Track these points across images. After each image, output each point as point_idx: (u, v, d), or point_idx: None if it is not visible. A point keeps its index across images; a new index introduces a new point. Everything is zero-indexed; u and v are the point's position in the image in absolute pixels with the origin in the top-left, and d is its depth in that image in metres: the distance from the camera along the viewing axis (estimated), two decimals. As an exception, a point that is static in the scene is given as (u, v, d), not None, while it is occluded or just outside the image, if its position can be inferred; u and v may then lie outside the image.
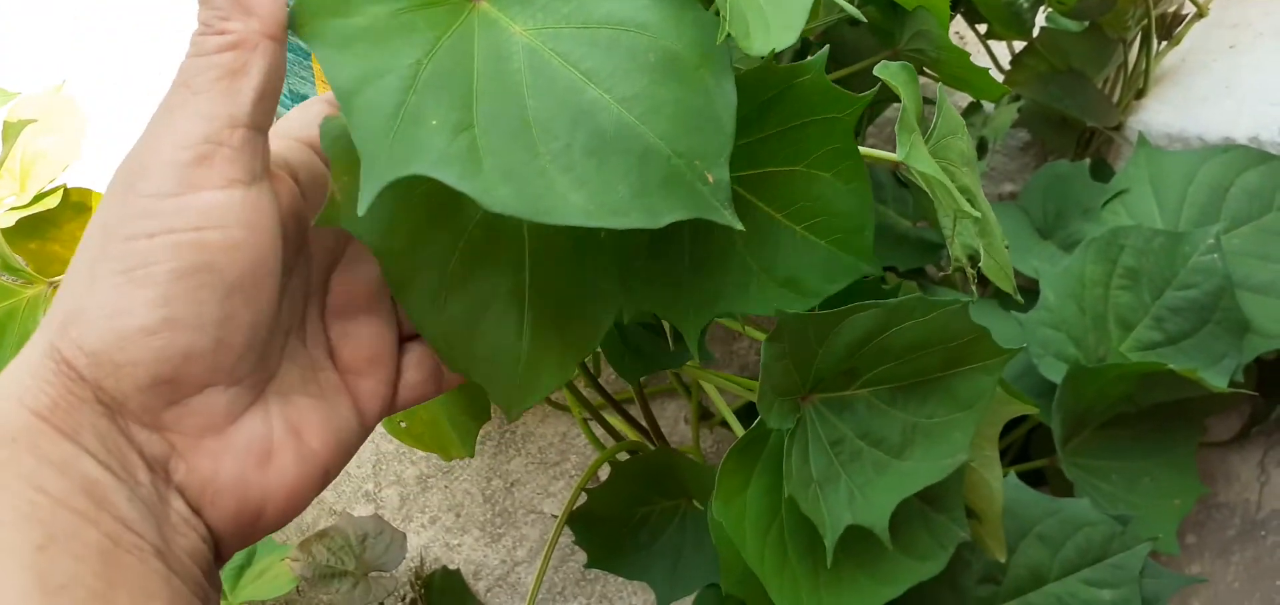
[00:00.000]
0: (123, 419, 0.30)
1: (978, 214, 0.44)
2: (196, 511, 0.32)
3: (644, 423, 0.72)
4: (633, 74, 0.32)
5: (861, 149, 0.49)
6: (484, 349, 0.35)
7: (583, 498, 0.69)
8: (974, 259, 0.49)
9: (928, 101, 0.54)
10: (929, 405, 0.46)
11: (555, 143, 0.31)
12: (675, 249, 0.41)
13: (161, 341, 0.29)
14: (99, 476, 0.29)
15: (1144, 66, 0.85)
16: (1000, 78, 0.89)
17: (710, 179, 0.31)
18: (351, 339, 0.37)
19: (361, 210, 0.28)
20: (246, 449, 0.32)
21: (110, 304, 0.29)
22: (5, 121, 0.94)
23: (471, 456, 0.56)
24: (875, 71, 0.46)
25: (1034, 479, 0.77)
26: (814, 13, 0.71)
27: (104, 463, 0.29)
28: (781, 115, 0.39)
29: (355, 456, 0.99)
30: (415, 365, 0.38)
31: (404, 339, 0.38)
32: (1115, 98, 0.87)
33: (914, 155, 0.43)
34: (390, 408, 0.38)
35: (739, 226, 0.32)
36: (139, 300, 0.29)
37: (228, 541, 0.33)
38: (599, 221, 0.30)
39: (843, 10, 0.75)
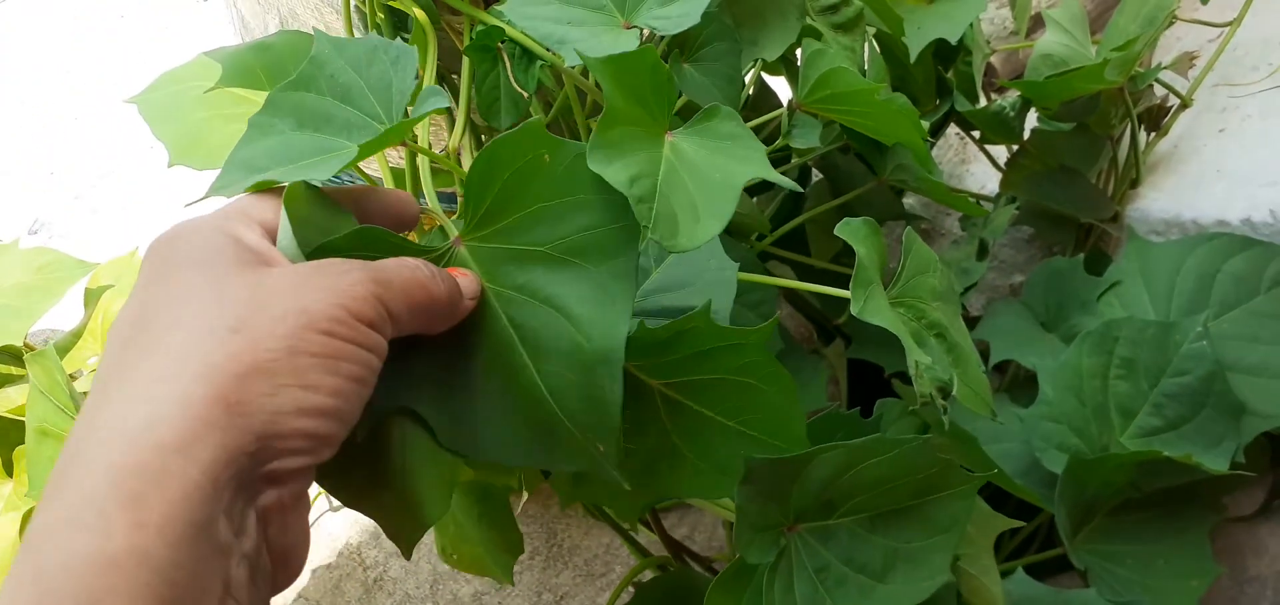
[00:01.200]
0: (261, 475, 0.32)
1: (929, 359, 0.48)
2: (280, 565, 0.34)
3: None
4: (552, 354, 0.39)
5: (826, 290, 0.54)
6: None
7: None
8: (944, 390, 0.54)
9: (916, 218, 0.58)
10: (907, 531, 0.50)
11: (489, 382, 0.39)
12: None
13: (328, 421, 0.33)
14: (227, 539, 0.30)
15: (1134, 158, 0.89)
16: (998, 177, 0.93)
17: (601, 449, 0.38)
18: None
19: None
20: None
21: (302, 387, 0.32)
22: (86, 289, 1.04)
23: (511, 584, 0.62)
24: (836, 231, 0.51)
25: (1057, 566, 0.80)
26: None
27: (232, 519, 0.30)
28: (689, 343, 0.44)
29: (414, 576, 1.05)
30: None
31: None
32: (1110, 189, 0.91)
33: (868, 308, 0.48)
34: None
35: (626, 487, 0.40)
36: (328, 384, 0.32)
37: None
38: (501, 458, 0.39)
39: (837, 139, 0.81)
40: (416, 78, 0.47)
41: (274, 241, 0.38)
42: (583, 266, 0.39)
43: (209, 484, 0.29)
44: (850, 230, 0.50)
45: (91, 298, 1.03)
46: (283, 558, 0.33)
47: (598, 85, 0.53)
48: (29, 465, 0.69)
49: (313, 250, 0.38)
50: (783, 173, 0.84)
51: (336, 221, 0.40)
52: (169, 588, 0.27)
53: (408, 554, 0.43)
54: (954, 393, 0.52)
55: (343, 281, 0.34)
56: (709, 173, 0.43)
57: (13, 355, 0.94)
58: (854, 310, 0.46)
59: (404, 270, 0.36)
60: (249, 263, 0.35)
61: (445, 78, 0.72)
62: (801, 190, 0.49)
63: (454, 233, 0.41)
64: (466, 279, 0.39)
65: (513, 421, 0.38)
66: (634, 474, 0.47)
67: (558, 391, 0.38)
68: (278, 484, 0.32)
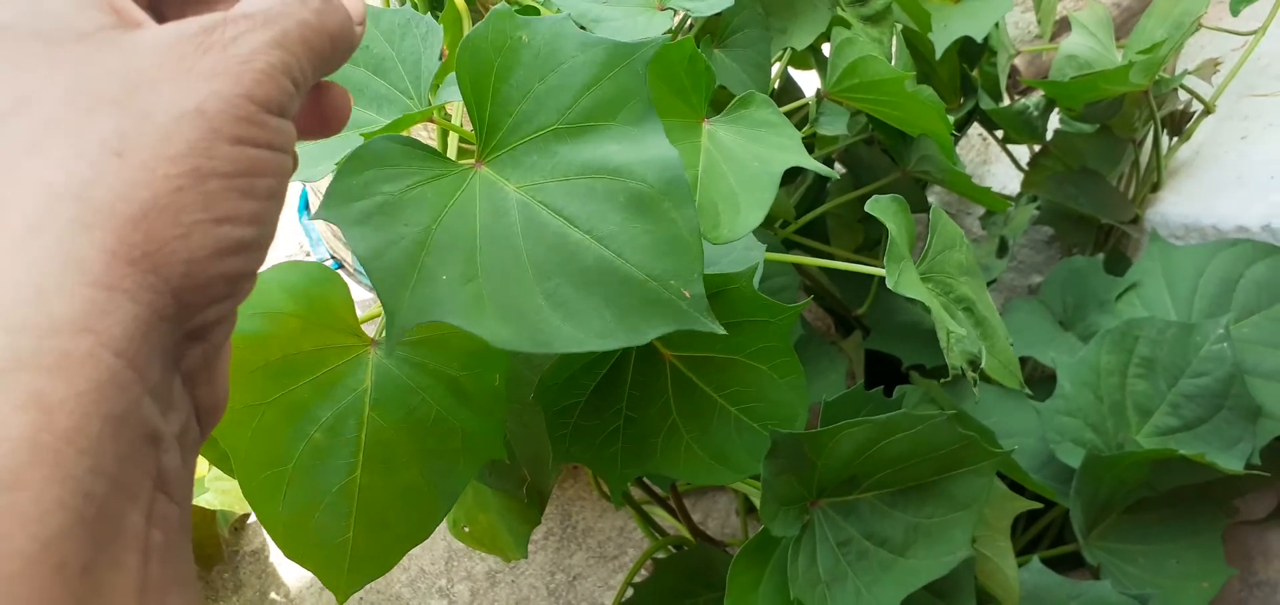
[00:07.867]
0: (183, 334, 0.25)
1: (962, 331, 0.49)
2: (205, 423, 0.27)
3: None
4: (608, 215, 0.37)
5: (857, 266, 0.55)
6: (315, 538, 0.41)
7: (631, 592, 0.74)
8: (974, 362, 0.54)
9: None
10: (928, 506, 0.51)
11: (548, 282, 0.36)
12: (612, 409, 0.46)
13: (251, 255, 0.26)
14: (156, 424, 0.23)
15: (1156, 162, 0.89)
16: (1020, 178, 0.94)
17: (687, 294, 0.36)
18: None
19: (388, 351, 0.33)
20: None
21: (220, 211, 0.25)
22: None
23: (525, 557, 0.62)
24: (867, 208, 0.52)
25: (1070, 562, 0.80)
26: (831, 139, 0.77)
27: (159, 397, 0.23)
28: (720, 310, 0.44)
29: (429, 552, 1.06)
30: None
31: None
32: (1131, 192, 0.91)
33: (903, 282, 0.49)
34: None
35: (721, 331, 0.35)
36: (246, 211, 0.25)
37: None
38: (587, 346, 0.35)
39: (862, 131, 0.82)
40: (441, 58, 0.48)
41: None
42: (603, 125, 0.38)
43: (127, 368, 0.22)
44: (880, 207, 0.51)
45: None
46: (209, 414, 0.27)
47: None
48: None
49: None
50: (807, 164, 0.85)
51: None
52: (84, 502, 0.20)
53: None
54: (983, 365, 0.53)
55: (244, 65, 0.26)
56: (747, 162, 0.44)
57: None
58: (889, 283, 0.47)
59: (298, 10, 0.28)
60: (104, 24, 0.26)
61: (479, 55, 0.73)
62: (836, 174, 0.50)
63: (470, 160, 0.40)
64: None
65: (589, 307, 0.36)
66: (628, 446, 0.47)
67: (626, 248, 0.36)
68: (201, 339, 0.25)
